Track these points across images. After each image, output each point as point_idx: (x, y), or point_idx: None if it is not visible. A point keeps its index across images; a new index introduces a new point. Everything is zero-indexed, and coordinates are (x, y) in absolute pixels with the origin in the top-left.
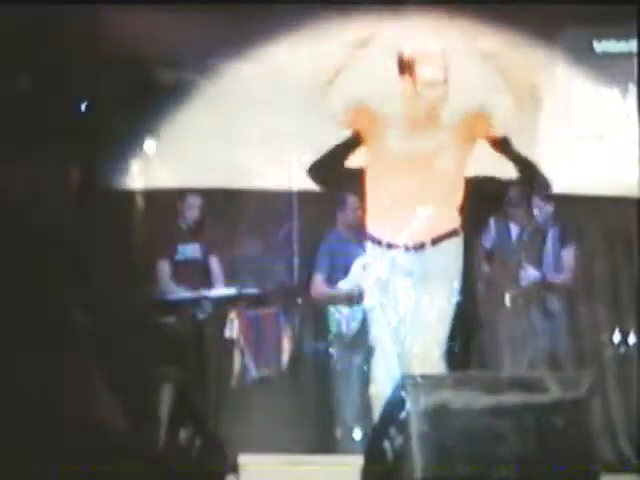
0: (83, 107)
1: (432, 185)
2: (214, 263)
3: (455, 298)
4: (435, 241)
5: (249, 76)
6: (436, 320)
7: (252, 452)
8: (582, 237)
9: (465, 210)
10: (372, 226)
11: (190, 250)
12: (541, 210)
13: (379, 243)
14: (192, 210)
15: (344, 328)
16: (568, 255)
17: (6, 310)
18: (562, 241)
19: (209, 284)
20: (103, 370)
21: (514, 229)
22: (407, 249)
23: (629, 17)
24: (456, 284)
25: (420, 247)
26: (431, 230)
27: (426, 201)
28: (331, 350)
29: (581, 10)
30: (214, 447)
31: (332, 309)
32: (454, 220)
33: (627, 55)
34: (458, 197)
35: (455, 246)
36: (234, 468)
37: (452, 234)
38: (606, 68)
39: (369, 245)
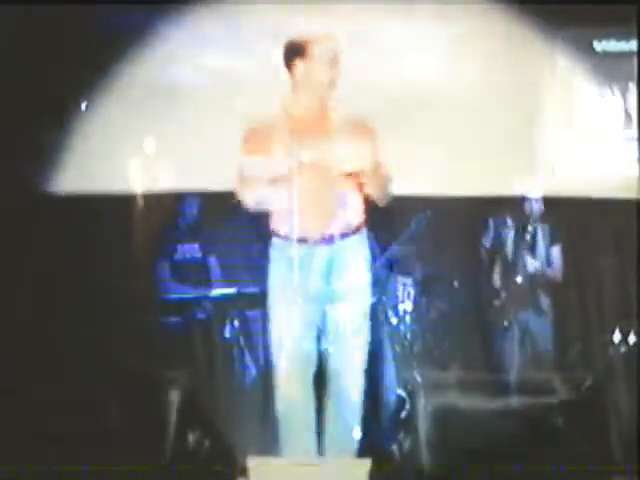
0: (83, 107)
1: (331, 184)
2: (213, 263)
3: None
4: (343, 235)
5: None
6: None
7: (258, 454)
8: (581, 237)
9: (367, 209)
10: (278, 226)
11: (189, 250)
12: (537, 210)
13: (288, 239)
14: (191, 210)
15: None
16: (558, 254)
17: (10, 310)
18: (553, 240)
19: (209, 284)
20: (105, 371)
21: (510, 228)
22: (317, 242)
23: (629, 17)
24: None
25: (329, 240)
26: (337, 226)
27: (328, 200)
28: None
29: (581, 10)
30: (222, 449)
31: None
32: (357, 218)
33: (627, 55)
34: (357, 196)
35: (360, 241)
36: (243, 471)
37: (357, 230)
38: (606, 68)
39: (277, 242)
